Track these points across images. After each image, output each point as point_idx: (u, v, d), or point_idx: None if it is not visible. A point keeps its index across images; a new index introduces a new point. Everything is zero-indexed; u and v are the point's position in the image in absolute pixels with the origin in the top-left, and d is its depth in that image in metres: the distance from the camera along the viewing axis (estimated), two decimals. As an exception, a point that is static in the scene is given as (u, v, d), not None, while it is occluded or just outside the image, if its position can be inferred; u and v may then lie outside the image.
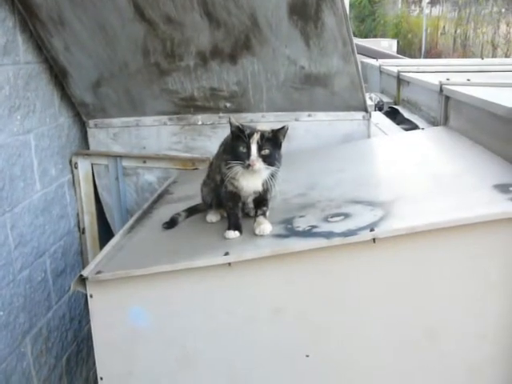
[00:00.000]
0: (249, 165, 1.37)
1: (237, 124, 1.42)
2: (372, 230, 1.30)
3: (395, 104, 3.37)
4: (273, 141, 1.42)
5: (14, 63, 1.97)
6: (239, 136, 1.40)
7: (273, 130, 1.43)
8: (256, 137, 1.39)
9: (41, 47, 2.13)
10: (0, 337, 1.89)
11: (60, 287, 2.31)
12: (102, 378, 1.49)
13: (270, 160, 1.40)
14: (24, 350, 2.03)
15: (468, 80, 2.43)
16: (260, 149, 1.38)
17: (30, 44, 2.08)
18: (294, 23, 1.98)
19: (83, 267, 2.45)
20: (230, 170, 1.41)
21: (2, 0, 1.87)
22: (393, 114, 3.09)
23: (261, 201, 1.49)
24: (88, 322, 2.48)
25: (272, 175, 1.43)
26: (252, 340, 1.42)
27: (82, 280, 1.42)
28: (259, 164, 1.38)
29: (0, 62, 1.88)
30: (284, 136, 1.45)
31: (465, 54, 11.02)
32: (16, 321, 1.98)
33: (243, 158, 1.38)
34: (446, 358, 1.36)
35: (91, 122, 2.47)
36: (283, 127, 1.43)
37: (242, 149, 1.38)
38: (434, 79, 2.60)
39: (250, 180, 1.44)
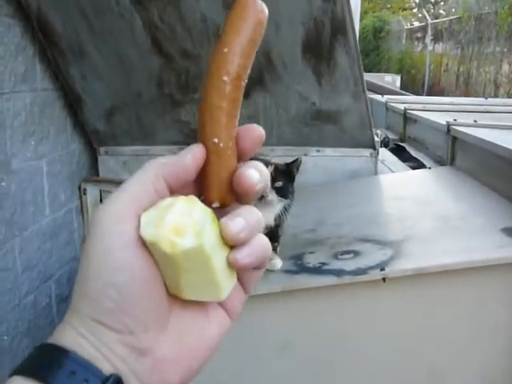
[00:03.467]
0: (262, 196, 1.38)
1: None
2: (382, 269, 1.32)
3: (401, 141, 3.40)
4: (286, 174, 1.44)
5: (31, 90, 2.01)
6: None
7: (286, 164, 1.45)
8: (270, 169, 1.40)
9: (57, 75, 2.18)
10: (3, 362, 1.88)
11: (63, 313, 2.30)
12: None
13: (283, 192, 1.41)
14: (25, 376, 2.02)
15: (475, 121, 2.47)
16: (274, 181, 1.40)
17: (48, 72, 2.13)
18: (307, 61, 2.02)
19: (87, 293, 2.45)
20: None
21: (23, 30, 1.93)
22: (398, 151, 3.12)
23: (272, 236, 1.50)
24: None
25: (285, 209, 1.44)
26: (260, 375, 1.42)
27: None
28: (272, 196, 1.39)
29: (18, 89, 1.92)
30: (297, 169, 1.47)
31: (467, 92, 11.16)
32: (19, 346, 1.98)
33: None
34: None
35: (102, 150, 2.50)
36: (296, 160, 1.45)
37: None
38: (440, 119, 2.64)
39: (263, 214, 1.44)
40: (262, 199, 1.38)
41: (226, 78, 0.43)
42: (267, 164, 1.42)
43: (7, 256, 1.90)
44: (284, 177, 1.42)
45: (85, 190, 2.47)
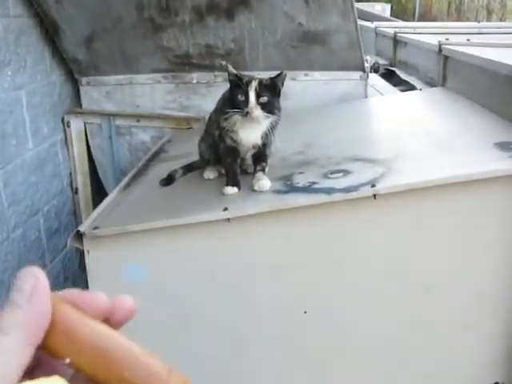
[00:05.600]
0: (247, 112, 1.34)
1: (235, 72, 1.39)
2: (373, 185, 1.29)
3: (391, 66, 3.32)
4: (271, 88, 1.38)
5: (3, 16, 1.91)
6: (237, 84, 1.37)
7: (271, 78, 1.40)
8: (254, 84, 1.35)
9: (31, 0, 2.06)
10: (-5, 294, 1.88)
11: (54, 246, 2.30)
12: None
13: (269, 107, 1.37)
14: (19, 309, 2.02)
15: (468, 40, 2.40)
16: (258, 96, 1.35)
17: (20, -4, 2.02)
18: (293, -23, 1.93)
19: (76, 227, 2.43)
20: (228, 120, 1.38)
21: None
22: (389, 76, 3.05)
23: (260, 156, 1.47)
24: (82, 282, 2.48)
25: (272, 126, 1.40)
26: (250, 296, 1.41)
27: (79, 236, 1.41)
28: (258, 111, 1.35)
29: (-11, 14, 1.82)
30: (282, 83, 1.41)
31: (459, 19, 10.91)
32: (10, 279, 1.97)
33: (242, 106, 1.34)
34: (442, 315, 1.37)
35: (84, 80, 2.42)
36: (281, 73, 1.40)
37: (241, 97, 1.35)
38: (432, 40, 2.56)
39: (249, 132, 1.41)
40: (247, 115, 1.34)
41: None
42: (252, 79, 1.37)
43: (-9, 190, 1.86)
44: (269, 92, 1.37)
45: (68, 122, 2.40)
